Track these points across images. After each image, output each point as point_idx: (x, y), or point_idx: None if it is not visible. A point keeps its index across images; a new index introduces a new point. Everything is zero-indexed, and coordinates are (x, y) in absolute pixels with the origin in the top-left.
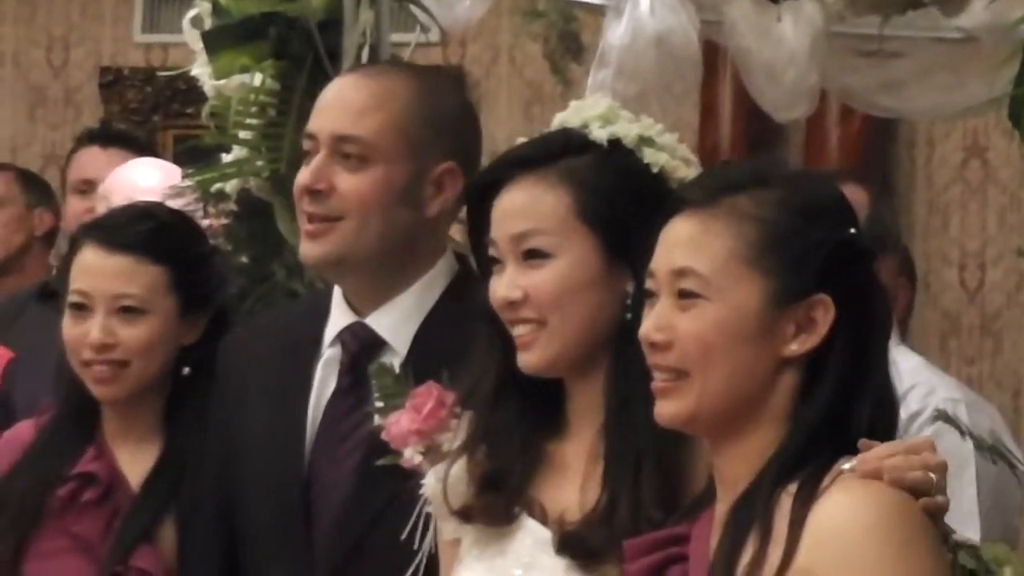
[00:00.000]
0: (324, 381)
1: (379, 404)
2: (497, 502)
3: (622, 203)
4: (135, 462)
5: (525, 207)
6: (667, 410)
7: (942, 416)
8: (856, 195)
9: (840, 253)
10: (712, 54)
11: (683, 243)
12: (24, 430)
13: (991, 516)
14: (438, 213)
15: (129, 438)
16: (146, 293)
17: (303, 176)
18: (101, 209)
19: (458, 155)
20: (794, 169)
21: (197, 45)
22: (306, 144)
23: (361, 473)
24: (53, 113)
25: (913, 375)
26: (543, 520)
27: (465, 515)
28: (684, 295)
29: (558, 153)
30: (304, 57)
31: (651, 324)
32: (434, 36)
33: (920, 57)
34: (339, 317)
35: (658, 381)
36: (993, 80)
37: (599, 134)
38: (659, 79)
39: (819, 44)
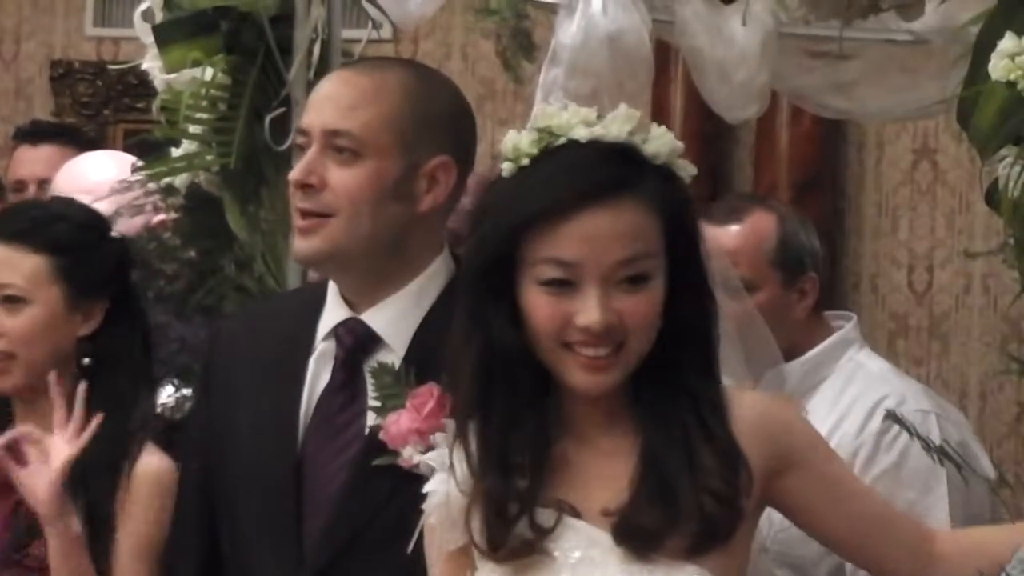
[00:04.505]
0: (316, 375)
1: (377, 404)
2: (532, 522)
3: (687, 219)
4: None
5: (630, 231)
6: None
7: (911, 429)
8: (762, 222)
9: None
10: (663, 54)
11: None
12: None
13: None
14: (431, 208)
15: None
16: (25, 283)
17: (295, 171)
18: None
19: (452, 149)
20: None
21: (148, 39)
22: (299, 139)
23: (356, 470)
24: (3, 106)
25: (883, 383)
26: (578, 516)
27: (497, 555)
28: None
29: (637, 172)
30: (256, 52)
31: None
32: (386, 32)
33: (872, 58)
34: (334, 312)
35: None
36: (945, 82)
37: (652, 151)
38: (611, 78)
39: (770, 44)
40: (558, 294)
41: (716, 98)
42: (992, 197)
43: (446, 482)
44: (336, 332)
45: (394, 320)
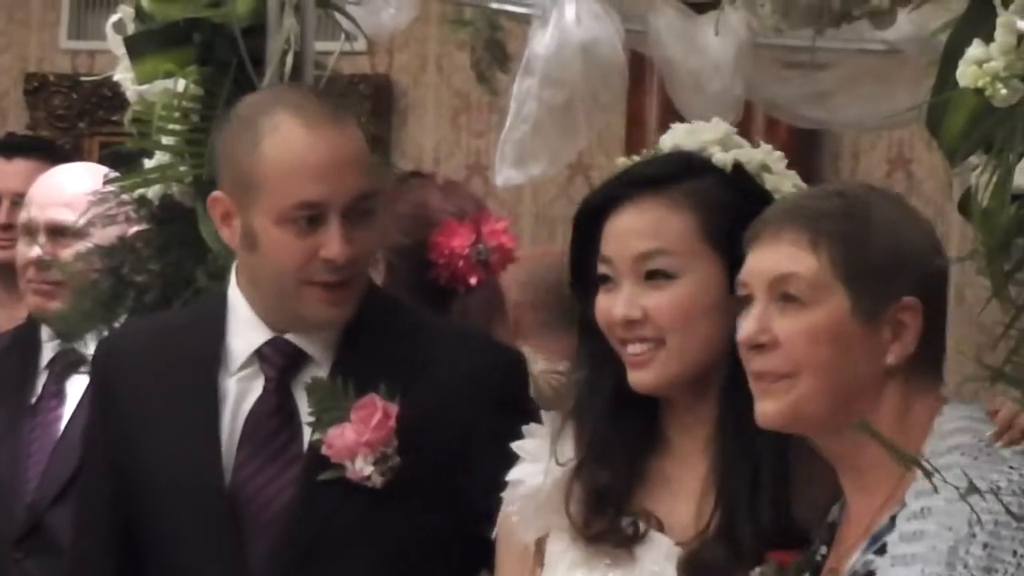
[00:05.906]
0: (240, 396)
1: (312, 419)
2: (621, 523)
3: (745, 226)
4: None
5: (650, 227)
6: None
7: None
8: None
9: None
10: (638, 64)
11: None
12: None
13: None
14: None
15: None
16: None
17: (332, 251)
18: (26, 216)
19: None
20: None
21: (120, 50)
22: (307, 212)
23: (300, 487)
24: None
25: None
26: (662, 530)
27: (589, 532)
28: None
29: (681, 174)
30: (228, 63)
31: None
32: (360, 45)
33: (847, 68)
34: (252, 332)
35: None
36: (918, 91)
37: (723, 158)
38: (585, 88)
39: (744, 54)
40: (606, 290)
41: (690, 108)
42: (966, 206)
43: (535, 474)
44: (262, 353)
45: (318, 337)
